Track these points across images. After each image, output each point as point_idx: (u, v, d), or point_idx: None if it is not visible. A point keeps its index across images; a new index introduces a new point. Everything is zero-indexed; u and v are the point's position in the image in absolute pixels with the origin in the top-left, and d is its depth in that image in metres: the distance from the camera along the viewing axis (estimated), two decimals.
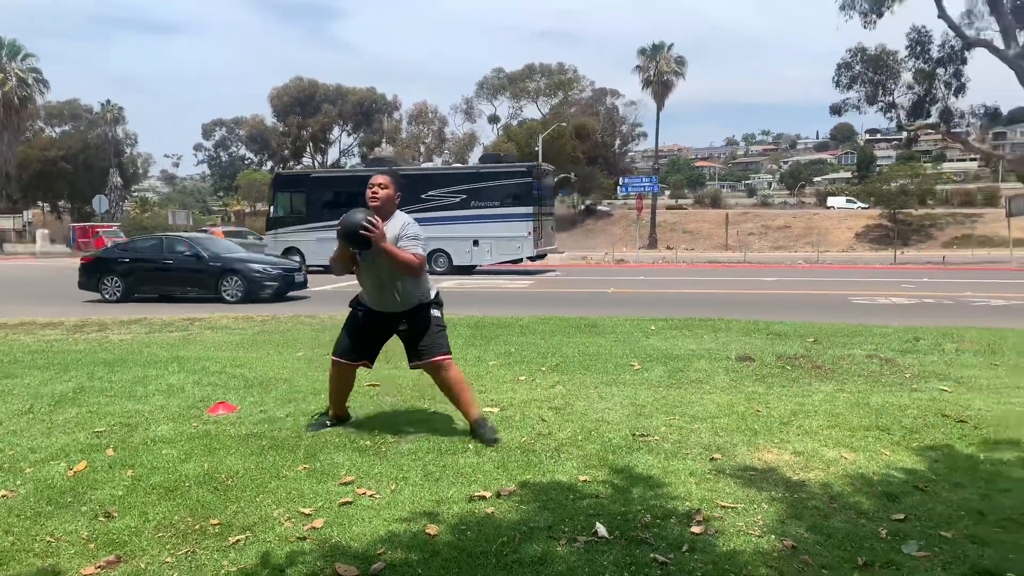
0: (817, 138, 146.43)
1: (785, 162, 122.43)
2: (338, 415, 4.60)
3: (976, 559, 2.78)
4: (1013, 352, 7.15)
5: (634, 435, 4.34)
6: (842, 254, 40.34)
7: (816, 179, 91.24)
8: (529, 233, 22.10)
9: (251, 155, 72.71)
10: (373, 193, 4.20)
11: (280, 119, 65.59)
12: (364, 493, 3.47)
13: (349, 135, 70.17)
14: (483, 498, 3.39)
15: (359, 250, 4.14)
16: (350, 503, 3.36)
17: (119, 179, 58.41)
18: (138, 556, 2.87)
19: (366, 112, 66.70)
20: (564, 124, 50.47)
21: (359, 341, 4.41)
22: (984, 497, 3.38)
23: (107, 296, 14.78)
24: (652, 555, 2.81)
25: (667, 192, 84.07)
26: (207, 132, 74.92)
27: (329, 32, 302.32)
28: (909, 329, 8.67)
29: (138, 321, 10.35)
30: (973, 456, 3.97)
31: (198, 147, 76.36)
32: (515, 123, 60.68)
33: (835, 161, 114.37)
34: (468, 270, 23.05)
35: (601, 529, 3.03)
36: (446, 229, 22.21)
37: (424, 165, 52.90)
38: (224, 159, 75.83)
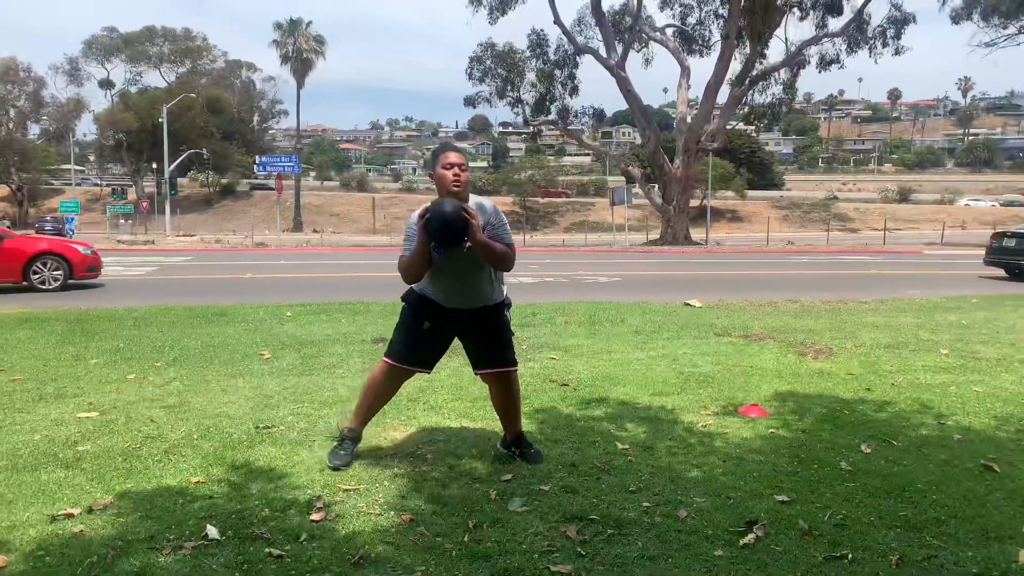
0: (457, 128, 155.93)
1: (428, 149, 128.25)
2: (358, 431, 3.71)
3: (568, 506, 3.11)
4: (607, 322, 8.27)
5: (257, 427, 4.11)
6: None
7: None
8: None
9: None
10: (456, 176, 3.40)
11: None
12: None
13: None
14: (70, 516, 2.94)
15: (448, 247, 3.35)
16: None
17: None
18: None
19: None
20: (194, 95, 46.76)
21: (422, 342, 3.61)
22: (576, 450, 3.80)
23: None
24: (267, 550, 2.67)
25: (312, 174, 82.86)
26: None
27: None
28: (528, 306, 9.56)
29: None
30: (571, 415, 4.46)
31: None
32: (134, 90, 54.64)
33: (473, 151, 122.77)
34: None
35: (212, 531, 2.81)
36: None
37: None
38: None
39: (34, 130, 59.05)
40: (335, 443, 3.70)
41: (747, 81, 31.36)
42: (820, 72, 31.98)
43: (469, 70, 32.89)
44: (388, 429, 4.12)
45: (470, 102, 34.28)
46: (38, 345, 6.49)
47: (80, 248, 13.18)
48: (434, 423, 4.26)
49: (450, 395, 4.86)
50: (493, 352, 3.67)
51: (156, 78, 58.80)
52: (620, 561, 2.66)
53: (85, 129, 66.44)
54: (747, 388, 5.19)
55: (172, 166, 40.41)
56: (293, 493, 3.21)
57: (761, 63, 31.50)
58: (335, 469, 3.47)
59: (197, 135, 48.98)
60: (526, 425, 4.24)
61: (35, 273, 12.27)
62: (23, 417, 4.27)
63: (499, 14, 31.04)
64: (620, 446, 3.87)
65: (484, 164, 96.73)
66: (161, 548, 2.68)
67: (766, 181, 65.38)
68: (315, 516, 2.97)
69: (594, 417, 4.41)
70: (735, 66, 31.36)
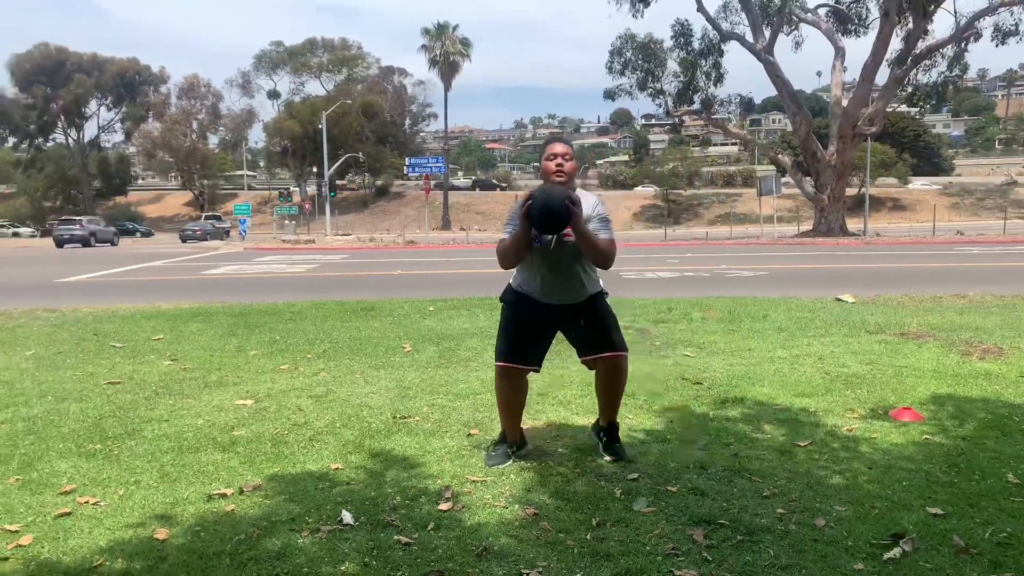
0: (599, 122, 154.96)
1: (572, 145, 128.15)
2: (515, 439, 3.64)
3: (696, 509, 3.01)
4: (748, 318, 7.95)
5: (395, 417, 4.29)
6: (621, 232, 43.10)
7: (599, 162, 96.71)
8: None
9: None
10: (559, 166, 3.39)
11: (23, 89, 58.25)
12: (87, 502, 3.13)
13: (109, 109, 64.06)
14: (224, 496, 3.18)
15: (548, 233, 3.33)
16: (68, 514, 3.01)
17: None
18: None
19: (128, 84, 61.10)
20: (350, 101, 49.35)
21: (526, 340, 3.55)
22: (708, 451, 3.68)
23: None
24: (396, 537, 2.78)
25: (461, 173, 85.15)
26: None
27: None
28: (665, 301, 9.36)
29: None
30: (704, 414, 4.32)
31: None
32: (297, 99, 58.43)
33: (615, 144, 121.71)
34: None
35: (347, 516, 2.95)
36: None
37: None
38: None
39: (212, 140, 64.48)
40: (493, 447, 3.68)
41: (909, 60, 29.12)
42: (996, 46, 29.18)
43: (609, 63, 32.57)
44: None
45: (609, 95, 33.89)
46: (207, 337, 7.08)
47: None
48: (562, 419, 4.26)
49: (579, 391, 4.85)
50: (600, 337, 3.56)
51: (317, 87, 62.64)
52: (749, 569, 2.55)
53: (256, 137, 71.85)
54: (900, 390, 4.83)
55: (331, 169, 42.80)
56: (424, 482, 3.31)
57: (925, 39, 29.16)
58: (492, 465, 3.49)
59: (354, 139, 51.61)
60: (654, 423, 4.18)
61: None
62: (190, 403, 4.68)
63: (643, 6, 30.56)
64: (755, 448, 3.71)
65: (625, 158, 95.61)
66: (301, 530, 2.85)
67: (932, 166, 60.54)
68: (443, 506, 3.05)
69: (728, 417, 4.25)
70: (895, 44, 29.24)
